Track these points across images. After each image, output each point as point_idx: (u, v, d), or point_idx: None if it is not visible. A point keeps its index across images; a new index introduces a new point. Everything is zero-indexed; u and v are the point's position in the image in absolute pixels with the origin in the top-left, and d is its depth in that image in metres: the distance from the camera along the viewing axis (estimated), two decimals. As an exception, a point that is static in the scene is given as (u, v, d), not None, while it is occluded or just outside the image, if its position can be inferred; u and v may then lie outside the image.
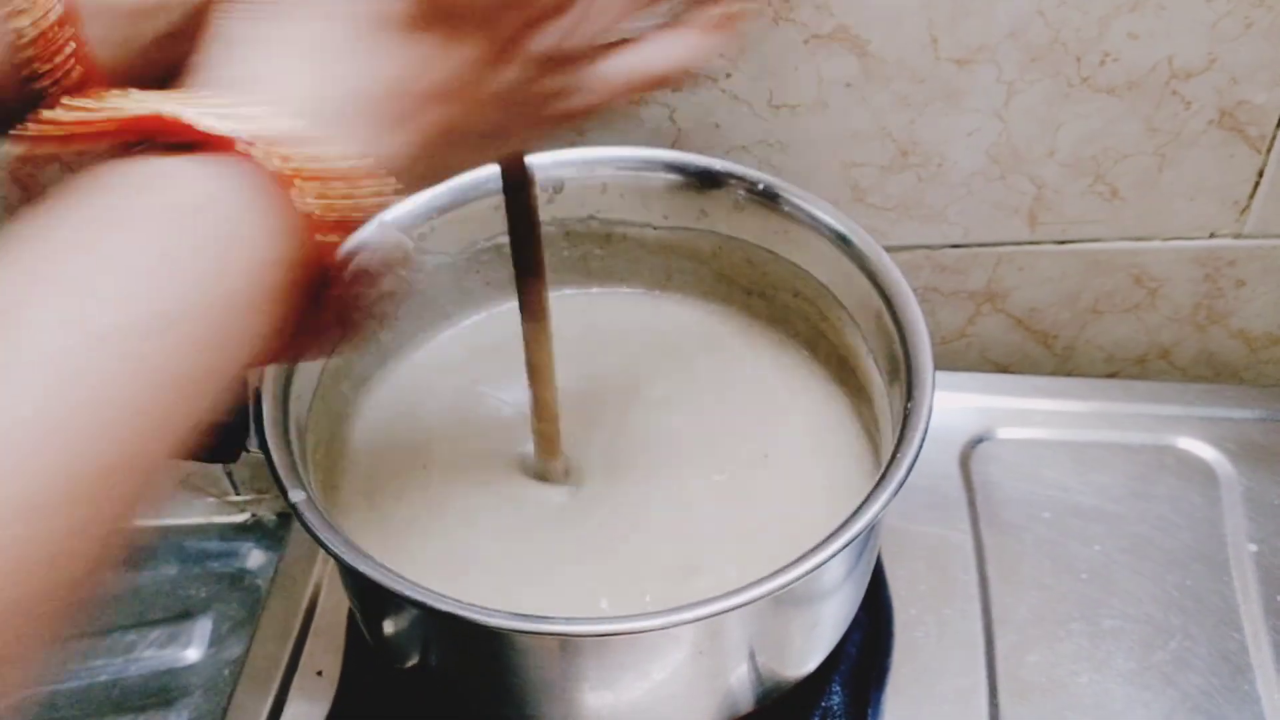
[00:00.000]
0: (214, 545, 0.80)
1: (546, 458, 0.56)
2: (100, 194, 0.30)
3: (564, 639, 0.46)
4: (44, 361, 0.27)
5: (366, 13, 0.34)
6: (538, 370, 0.52)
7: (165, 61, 0.39)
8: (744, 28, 0.40)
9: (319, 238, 0.33)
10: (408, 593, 0.44)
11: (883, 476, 0.47)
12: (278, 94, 0.33)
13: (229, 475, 0.80)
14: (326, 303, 0.35)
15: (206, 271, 0.30)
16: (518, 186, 0.47)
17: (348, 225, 0.34)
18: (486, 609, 0.44)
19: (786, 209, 0.57)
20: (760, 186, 0.57)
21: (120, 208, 0.30)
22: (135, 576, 0.77)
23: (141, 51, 0.40)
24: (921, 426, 0.48)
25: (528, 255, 0.49)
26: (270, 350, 0.34)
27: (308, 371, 0.53)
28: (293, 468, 0.48)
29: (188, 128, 0.31)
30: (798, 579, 0.44)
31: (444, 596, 0.44)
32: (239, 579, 0.79)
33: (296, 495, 0.46)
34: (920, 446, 0.47)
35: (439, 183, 0.39)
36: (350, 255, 0.35)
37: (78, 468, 0.26)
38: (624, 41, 0.39)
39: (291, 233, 0.32)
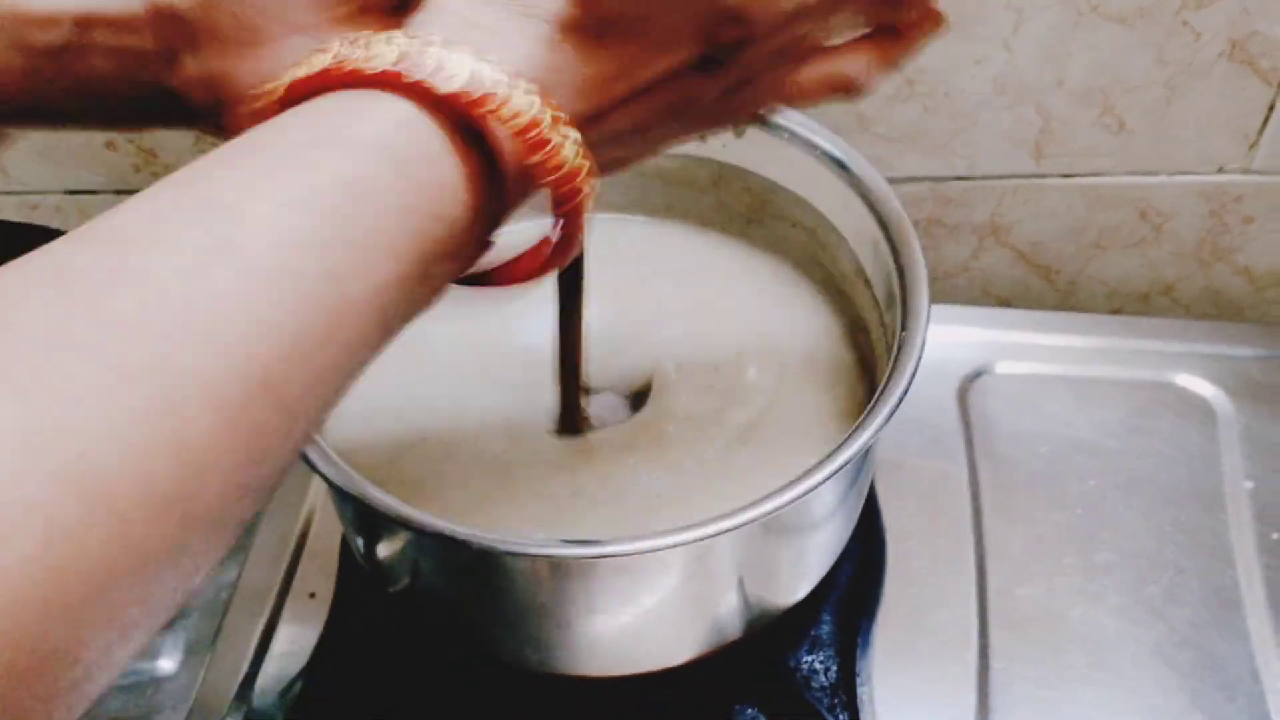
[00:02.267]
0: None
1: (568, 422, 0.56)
2: (302, 127, 0.30)
3: (552, 561, 0.46)
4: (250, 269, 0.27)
5: (567, 15, 0.34)
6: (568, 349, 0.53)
7: (52, 75, 0.39)
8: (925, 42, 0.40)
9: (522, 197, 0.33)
10: (394, 512, 0.44)
11: (873, 405, 0.46)
12: (492, 59, 0.32)
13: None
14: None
15: (407, 207, 0.30)
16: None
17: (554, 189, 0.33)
18: (474, 529, 0.43)
19: (786, 136, 0.56)
20: (762, 113, 0.56)
21: (321, 140, 0.30)
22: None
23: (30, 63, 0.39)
24: (915, 355, 0.47)
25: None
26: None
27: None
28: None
29: (416, 84, 0.31)
30: (785, 505, 0.44)
31: (430, 516, 0.44)
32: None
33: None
34: (913, 375, 0.47)
35: (626, 168, 0.40)
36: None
37: (254, 368, 0.26)
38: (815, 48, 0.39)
39: (493, 186, 0.32)
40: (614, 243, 0.63)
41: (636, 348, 0.59)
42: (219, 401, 0.25)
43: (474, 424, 0.56)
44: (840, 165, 0.54)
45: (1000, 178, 0.70)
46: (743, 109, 0.40)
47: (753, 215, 0.61)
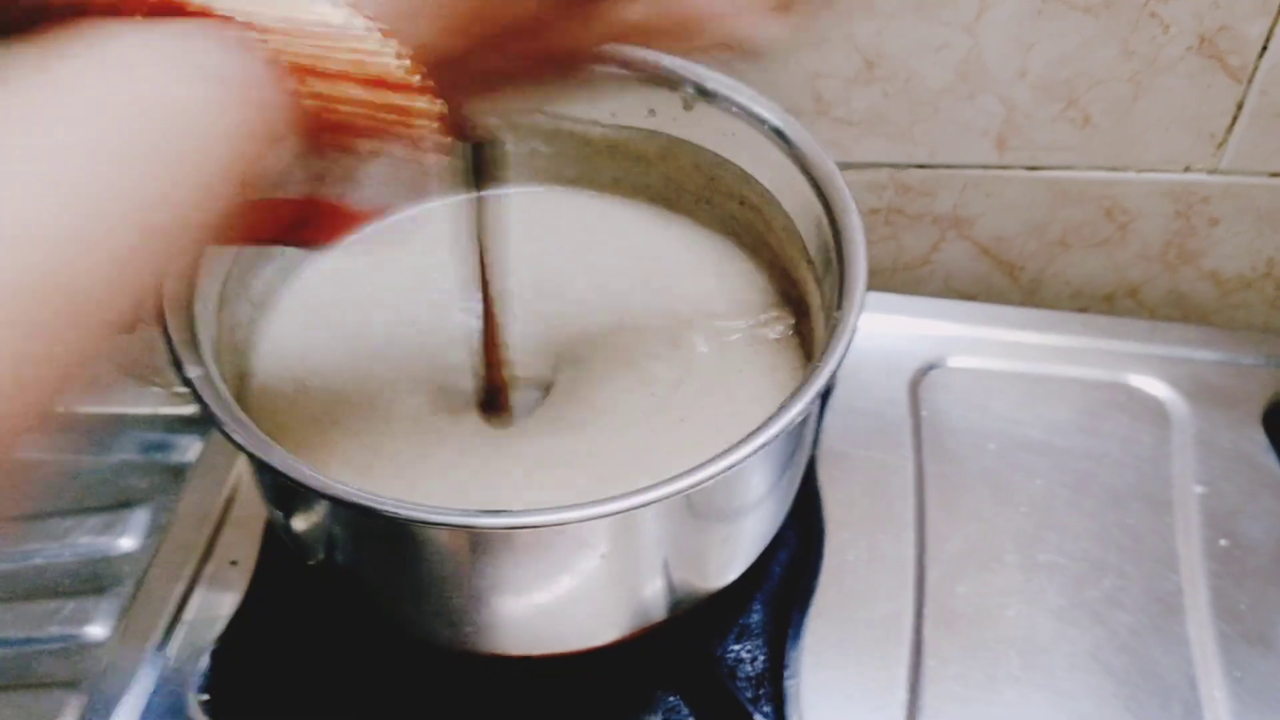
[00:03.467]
0: (157, 436, 0.79)
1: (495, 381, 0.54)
2: (68, 57, 0.29)
3: (464, 531, 0.45)
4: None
5: None
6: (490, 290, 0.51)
7: None
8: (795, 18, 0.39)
9: (308, 121, 0.32)
10: (306, 479, 0.42)
11: (801, 385, 0.45)
12: None
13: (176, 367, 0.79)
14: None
15: (171, 137, 0.29)
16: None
17: (343, 114, 0.32)
18: (383, 498, 0.42)
19: (734, 110, 0.55)
20: (708, 85, 0.55)
21: (87, 72, 0.28)
22: (77, 462, 0.76)
23: None
24: (847, 335, 0.46)
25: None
26: (236, 225, 0.33)
27: (218, 251, 0.51)
28: (193, 344, 0.46)
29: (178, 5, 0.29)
30: (703, 481, 0.42)
31: (341, 483, 0.42)
32: (180, 471, 0.78)
33: (193, 370, 0.45)
34: (843, 354, 0.45)
35: (475, 104, 0.39)
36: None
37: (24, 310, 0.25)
38: None
39: (273, 109, 0.31)
40: (558, 216, 0.62)
41: (575, 323, 0.57)
42: (22, 310, 0.24)
43: (401, 399, 0.55)
44: (785, 139, 0.53)
45: (962, 167, 0.68)
46: (575, 42, 0.38)
47: (701, 192, 0.60)
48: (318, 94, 0.31)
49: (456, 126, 0.35)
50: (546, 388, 0.56)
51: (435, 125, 0.33)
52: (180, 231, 0.29)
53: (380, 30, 0.31)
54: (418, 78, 0.32)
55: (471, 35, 0.34)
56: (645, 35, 0.38)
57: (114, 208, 0.26)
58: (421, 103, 0.33)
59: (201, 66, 0.29)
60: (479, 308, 0.51)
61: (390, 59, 0.32)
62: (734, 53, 0.39)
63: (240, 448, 0.43)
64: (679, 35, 0.38)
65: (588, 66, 0.39)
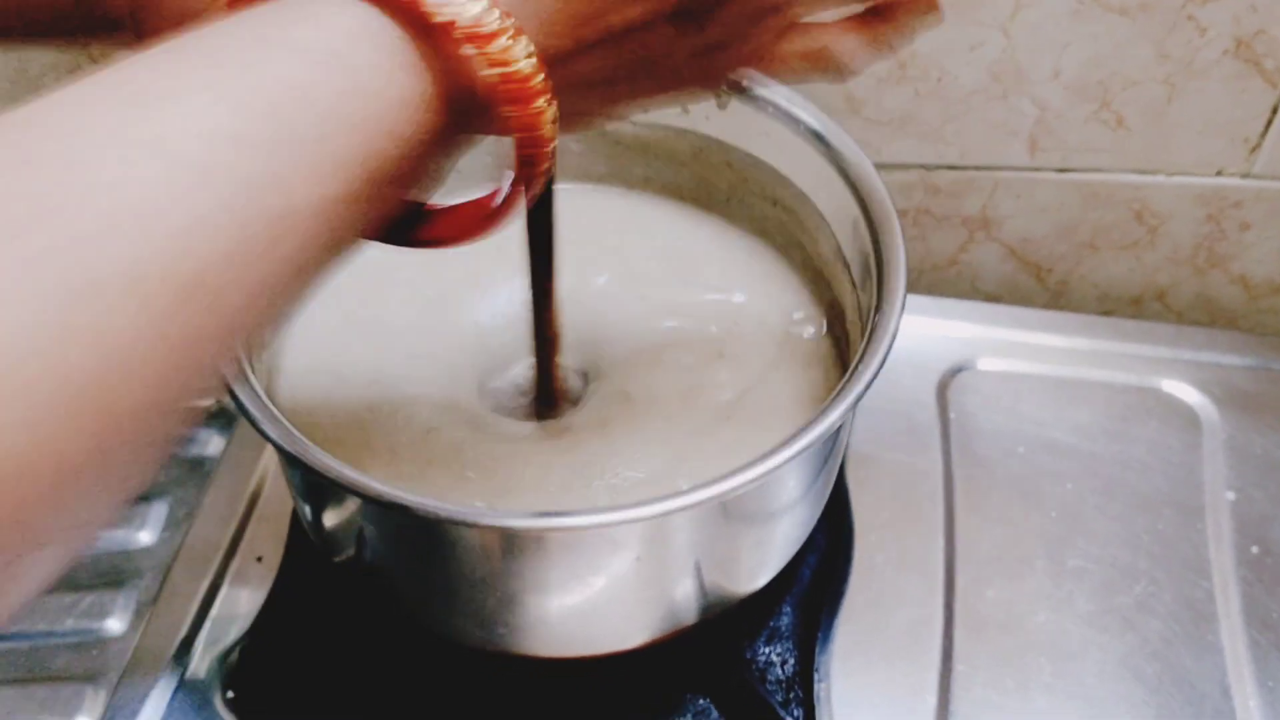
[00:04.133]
0: (176, 430, 0.78)
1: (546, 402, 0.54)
2: (243, 27, 0.28)
3: (497, 531, 0.44)
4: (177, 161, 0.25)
5: None
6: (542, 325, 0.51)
7: None
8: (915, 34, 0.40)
9: (480, 114, 0.31)
10: (337, 475, 0.42)
11: (839, 390, 0.44)
12: None
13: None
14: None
15: (322, 125, 0.28)
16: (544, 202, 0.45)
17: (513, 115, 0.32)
18: (416, 495, 0.42)
19: (769, 110, 0.54)
20: (744, 83, 0.55)
21: (262, 40, 0.28)
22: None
23: None
24: (887, 340, 0.45)
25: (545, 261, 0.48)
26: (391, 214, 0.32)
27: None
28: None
29: None
30: (741, 486, 0.42)
31: (376, 481, 0.42)
32: (198, 465, 0.77)
33: (227, 369, 0.44)
34: (883, 360, 0.45)
35: (591, 125, 0.38)
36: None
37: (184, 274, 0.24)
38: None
39: (452, 108, 0.31)
40: (589, 213, 0.61)
41: (607, 323, 0.57)
42: (145, 294, 0.23)
43: (434, 395, 0.54)
44: (822, 140, 0.52)
45: (992, 169, 0.68)
46: (715, 73, 0.38)
47: (733, 192, 0.59)
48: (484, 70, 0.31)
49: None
50: (579, 388, 0.56)
51: (551, 128, 0.33)
52: (328, 229, 0.28)
53: (514, 26, 0.31)
54: (541, 78, 0.31)
55: (578, 39, 0.34)
56: (757, 63, 0.39)
57: (243, 196, 0.25)
58: (541, 104, 0.32)
59: (369, 47, 0.29)
60: (531, 305, 0.51)
61: (521, 55, 0.31)
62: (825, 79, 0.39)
63: (277, 446, 0.43)
64: (791, 70, 0.39)
65: (693, 88, 0.39)
